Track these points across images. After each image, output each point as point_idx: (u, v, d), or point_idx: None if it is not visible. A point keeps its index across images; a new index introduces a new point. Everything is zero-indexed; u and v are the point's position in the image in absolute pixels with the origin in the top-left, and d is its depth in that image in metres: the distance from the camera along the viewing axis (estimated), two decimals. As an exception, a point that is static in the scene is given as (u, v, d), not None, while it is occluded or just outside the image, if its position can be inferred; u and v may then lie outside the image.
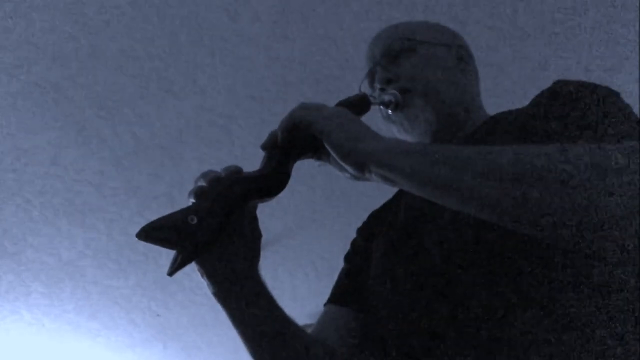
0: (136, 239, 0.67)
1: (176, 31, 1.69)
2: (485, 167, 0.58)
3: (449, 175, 0.60)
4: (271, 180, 0.72)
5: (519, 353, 0.63)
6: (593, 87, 0.77)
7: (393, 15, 1.63)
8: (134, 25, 1.66)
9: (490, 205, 0.58)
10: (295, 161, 0.74)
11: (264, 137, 0.74)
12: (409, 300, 0.74)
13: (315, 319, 0.91)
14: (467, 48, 0.99)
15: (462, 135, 0.90)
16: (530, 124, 0.76)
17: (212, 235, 0.69)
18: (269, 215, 2.21)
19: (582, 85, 0.77)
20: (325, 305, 0.92)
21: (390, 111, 0.90)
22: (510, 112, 0.86)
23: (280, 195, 0.73)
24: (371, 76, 0.94)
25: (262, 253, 0.77)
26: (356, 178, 0.69)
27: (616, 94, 0.76)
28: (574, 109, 0.73)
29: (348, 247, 0.97)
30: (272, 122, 0.74)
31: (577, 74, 1.81)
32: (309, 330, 0.87)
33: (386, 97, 0.89)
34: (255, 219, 0.76)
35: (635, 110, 0.74)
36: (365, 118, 0.77)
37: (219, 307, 0.76)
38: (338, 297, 0.91)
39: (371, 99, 0.86)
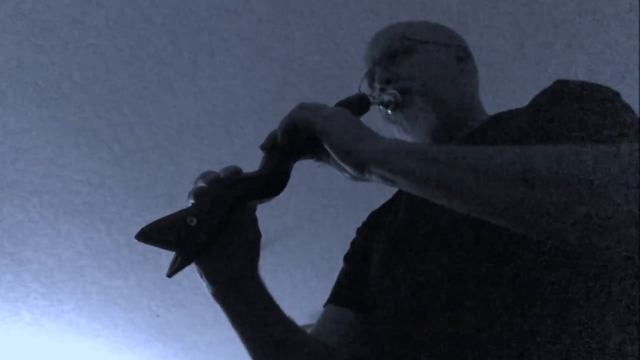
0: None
1: (176, 31, 1.69)
2: (485, 167, 0.58)
3: (449, 176, 0.59)
4: (271, 180, 0.72)
5: (519, 353, 0.63)
6: (593, 87, 0.77)
7: (393, 15, 1.63)
8: (134, 25, 1.66)
9: (490, 205, 0.58)
10: (294, 161, 0.74)
11: (263, 137, 0.74)
12: (409, 300, 0.73)
13: (315, 319, 0.91)
14: (466, 48, 0.99)
15: (462, 135, 0.90)
16: (530, 123, 0.76)
17: (212, 236, 0.68)
18: (269, 215, 2.21)
19: (582, 85, 0.77)
20: (325, 305, 0.92)
21: (389, 111, 0.89)
22: (510, 112, 0.86)
23: (280, 195, 0.73)
24: (371, 76, 0.94)
25: (261, 253, 0.77)
26: (356, 178, 0.69)
27: (616, 94, 0.76)
28: (574, 109, 0.73)
29: (348, 247, 0.97)
30: (272, 122, 0.74)
31: (577, 74, 1.81)
32: (308, 331, 0.87)
33: (386, 97, 0.89)
34: (254, 219, 0.76)
35: (635, 110, 0.74)
36: (365, 118, 0.77)
37: (218, 307, 0.76)
38: (338, 297, 0.91)
39: (371, 99, 0.85)
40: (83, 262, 2.54)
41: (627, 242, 0.54)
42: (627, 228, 0.53)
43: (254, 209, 0.76)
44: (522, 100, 0.85)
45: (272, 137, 0.72)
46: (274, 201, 0.73)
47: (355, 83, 0.96)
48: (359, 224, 0.99)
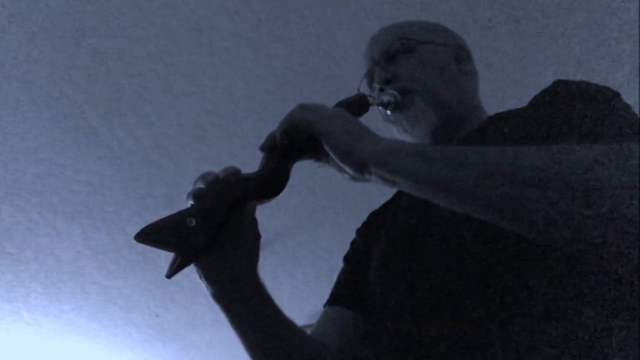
0: None
1: (176, 31, 1.69)
2: (485, 167, 0.58)
3: (448, 176, 0.59)
4: (270, 181, 0.71)
5: (519, 354, 0.63)
6: (593, 87, 0.77)
7: (393, 15, 1.63)
8: (134, 25, 1.66)
9: (490, 206, 0.58)
10: (294, 162, 0.74)
11: (263, 137, 0.73)
12: (409, 300, 0.73)
13: (315, 319, 0.91)
14: (466, 48, 0.99)
15: (462, 136, 0.89)
16: (530, 124, 0.76)
17: (211, 237, 0.68)
18: (269, 215, 2.21)
19: (582, 85, 0.77)
20: (324, 306, 0.92)
21: (389, 112, 0.89)
22: (509, 112, 0.86)
23: (280, 195, 0.73)
24: (370, 76, 0.94)
25: (261, 253, 0.77)
26: (355, 179, 0.69)
27: (616, 94, 0.75)
28: (573, 109, 0.73)
29: (348, 247, 0.97)
30: (272, 122, 0.73)
31: (577, 74, 1.81)
32: (308, 331, 0.87)
33: (385, 98, 0.88)
34: (254, 220, 0.76)
35: (635, 110, 0.74)
36: (365, 118, 0.77)
37: (218, 308, 0.76)
38: (337, 298, 0.91)
39: (370, 99, 0.85)
40: (83, 262, 2.54)
41: (628, 243, 0.53)
42: (628, 229, 0.53)
43: (254, 210, 0.76)
44: (522, 100, 0.85)
45: (271, 138, 0.72)
46: (273, 201, 0.73)
47: (355, 83, 0.96)
48: (359, 224, 0.99)
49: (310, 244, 2.52)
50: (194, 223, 0.67)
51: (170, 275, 0.67)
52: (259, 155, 0.74)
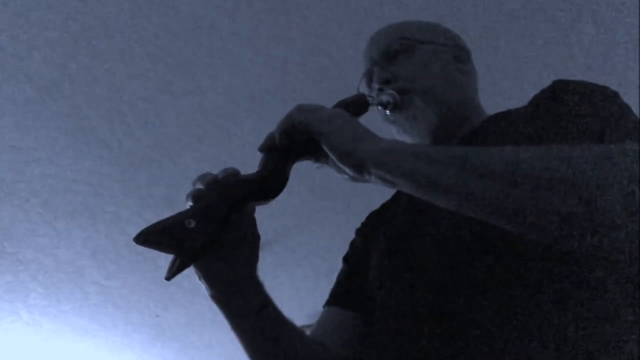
0: None
1: (176, 31, 1.69)
2: (484, 168, 0.58)
3: (447, 176, 0.59)
4: (269, 182, 0.71)
5: (519, 354, 0.63)
6: (593, 87, 0.77)
7: (393, 15, 1.62)
8: (134, 25, 1.66)
9: (489, 206, 0.58)
10: (293, 163, 0.73)
11: (263, 137, 0.73)
12: (408, 300, 0.73)
13: (315, 319, 0.91)
14: (465, 48, 0.99)
15: (461, 136, 0.89)
16: (530, 123, 0.76)
17: (210, 239, 0.68)
18: (269, 215, 2.21)
19: (581, 85, 0.77)
20: (324, 306, 0.92)
21: (388, 112, 0.89)
22: (509, 111, 0.86)
23: (279, 196, 0.72)
24: (369, 76, 0.94)
25: (261, 253, 0.77)
26: (355, 179, 0.68)
27: (616, 94, 0.75)
28: (573, 108, 0.73)
29: (347, 247, 0.97)
30: (271, 122, 0.73)
31: (577, 74, 1.81)
32: (308, 331, 0.87)
33: (384, 98, 0.88)
34: (253, 221, 0.76)
35: (635, 110, 0.73)
36: (364, 118, 0.77)
37: (217, 308, 0.76)
38: (337, 298, 0.91)
39: (369, 99, 0.85)
40: (82, 263, 2.54)
41: (627, 243, 0.53)
42: (627, 229, 0.52)
43: (253, 211, 0.76)
44: (522, 100, 0.85)
45: (270, 139, 0.72)
46: (273, 202, 0.73)
47: (355, 83, 0.96)
48: (359, 224, 0.98)
49: (310, 244, 2.51)
50: (193, 224, 0.67)
51: (169, 277, 0.67)
52: (259, 156, 0.74)
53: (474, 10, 1.66)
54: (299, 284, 2.72)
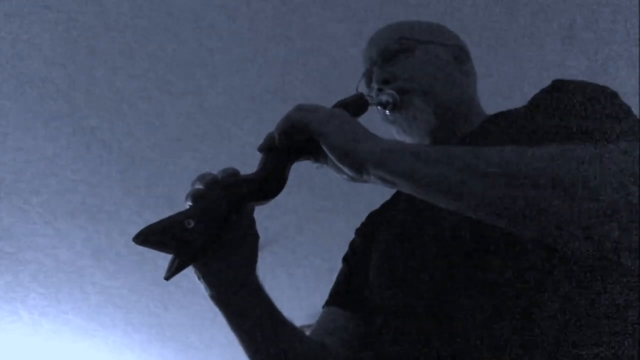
0: None
1: (176, 31, 1.69)
2: (484, 168, 0.58)
3: (447, 177, 0.59)
4: (268, 182, 0.71)
5: (519, 354, 0.63)
6: (592, 87, 0.77)
7: (393, 15, 1.62)
8: (134, 25, 1.66)
9: (489, 206, 0.58)
10: (292, 163, 0.73)
11: (263, 137, 0.73)
12: (408, 301, 0.73)
13: (315, 319, 0.91)
14: (465, 48, 0.99)
15: (461, 135, 0.89)
16: (529, 123, 0.76)
17: (210, 239, 0.68)
18: (268, 215, 2.21)
19: (581, 85, 0.77)
20: (323, 306, 0.92)
21: (387, 112, 0.89)
22: (509, 111, 0.86)
23: (279, 196, 0.72)
24: (368, 76, 0.94)
25: (261, 253, 0.77)
26: (354, 180, 0.68)
27: (615, 94, 0.75)
28: (572, 108, 0.73)
29: (347, 247, 0.97)
30: (271, 122, 0.73)
31: (577, 74, 1.81)
32: (308, 331, 0.87)
33: (384, 98, 0.88)
34: (252, 221, 0.76)
35: (635, 110, 0.74)
36: (364, 118, 0.77)
37: (216, 308, 0.76)
38: (337, 298, 0.90)
39: (369, 99, 0.85)
40: (82, 263, 2.54)
41: (626, 243, 0.53)
42: (626, 228, 0.52)
43: (252, 211, 0.75)
44: (521, 100, 0.85)
45: (269, 139, 0.72)
46: (273, 201, 0.73)
47: (354, 83, 0.96)
48: (359, 224, 0.98)
49: (310, 244, 2.51)
50: (192, 224, 0.67)
51: (169, 277, 0.67)
52: (259, 156, 0.74)
53: (474, 10, 1.66)
54: (299, 284, 2.72)
